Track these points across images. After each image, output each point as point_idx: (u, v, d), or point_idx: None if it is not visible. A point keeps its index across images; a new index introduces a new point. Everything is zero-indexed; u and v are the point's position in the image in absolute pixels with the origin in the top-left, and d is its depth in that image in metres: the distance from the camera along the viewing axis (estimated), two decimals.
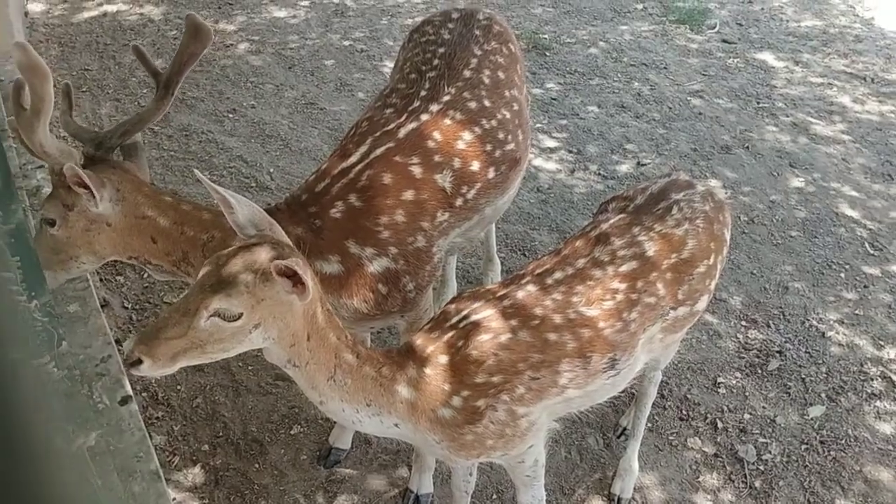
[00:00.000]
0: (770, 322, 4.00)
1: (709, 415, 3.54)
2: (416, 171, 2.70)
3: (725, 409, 3.57)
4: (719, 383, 3.68)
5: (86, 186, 2.35)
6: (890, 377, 3.73)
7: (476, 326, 2.30)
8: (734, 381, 3.70)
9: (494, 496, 3.20)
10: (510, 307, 2.34)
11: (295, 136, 5.19)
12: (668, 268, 2.49)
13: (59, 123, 2.58)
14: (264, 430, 3.38)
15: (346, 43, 6.35)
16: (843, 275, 4.31)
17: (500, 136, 2.93)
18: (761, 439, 3.45)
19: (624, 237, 2.49)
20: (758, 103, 5.81)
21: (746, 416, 3.54)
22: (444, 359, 2.27)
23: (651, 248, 2.48)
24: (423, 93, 2.91)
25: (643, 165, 5.07)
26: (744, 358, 3.82)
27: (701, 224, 2.58)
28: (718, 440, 3.45)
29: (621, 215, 2.59)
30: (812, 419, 3.54)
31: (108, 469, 2.24)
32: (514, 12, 6.92)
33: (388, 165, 2.68)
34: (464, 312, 2.36)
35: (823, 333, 3.95)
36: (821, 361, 3.80)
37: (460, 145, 2.81)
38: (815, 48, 6.61)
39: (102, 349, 2.60)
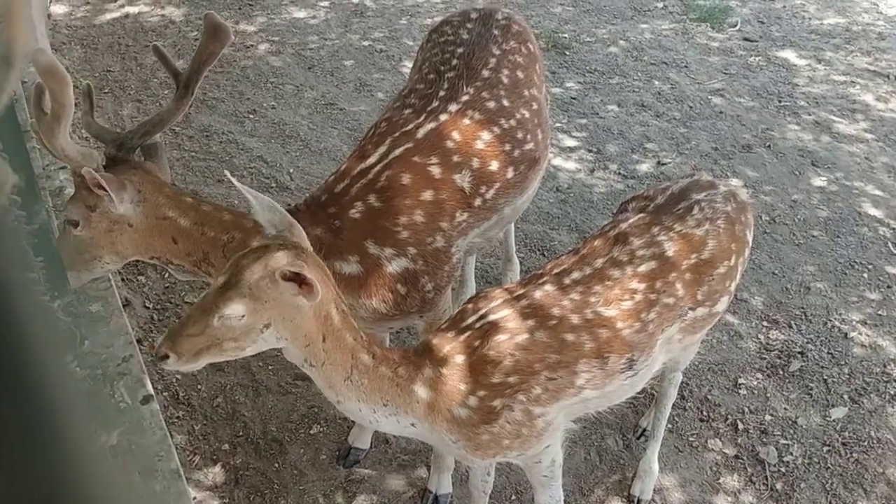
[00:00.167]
0: (792, 322, 3.97)
1: (729, 416, 3.52)
2: (435, 171, 2.70)
3: (746, 410, 3.55)
4: (740, 384, 3.66)
5: (104, 189, 2.37)
6: None
7: (493, 326, 2.30)
8: (755, 382, 3.67)
9: (513, 497, 3.20)
10: (527, 307, 2.34)
11: (314, 136, 5.20)
12: (687, 268, 2.47)
13: (81, 124, 2.60)
14: (284, 430, 3.39)
15: (366, 43, 6.36)
16: (865, 275, 4.27)
17: (519, 135, 2.92)
18: (783, 441, 3.43)
19: (643, 237, 2.48)
20: (780, 102, 5.76)
21: (768, 417, 3.52)
22: (460, 358, 2.27)
23: (670, 249, 2.46)
24: (441, 93, 2.91)
25: (663, 165, 5.05)
26: (765, 359, 3.79)
27: (722, 225, 2.56)
28: (739, 441, 3.43)
29: (641, 215, 2.58)
30: (834, 420, 3.51)
31: (130, 468, 2.26)
32: (533, 11, 6.90)
33: (407, 166, 2.68)
34: (481, 312, 2.36)
35: (846, 334, 3.91)
36: (843, 362, 3.76)
37: (479, 145, 2.81)
38: (837, 46, 6.55)
39: (124, 349, 2.61)
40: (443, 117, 2.81)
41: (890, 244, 4.47)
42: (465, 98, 2.88)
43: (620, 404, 3.19)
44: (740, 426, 3.48)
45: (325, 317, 2.03)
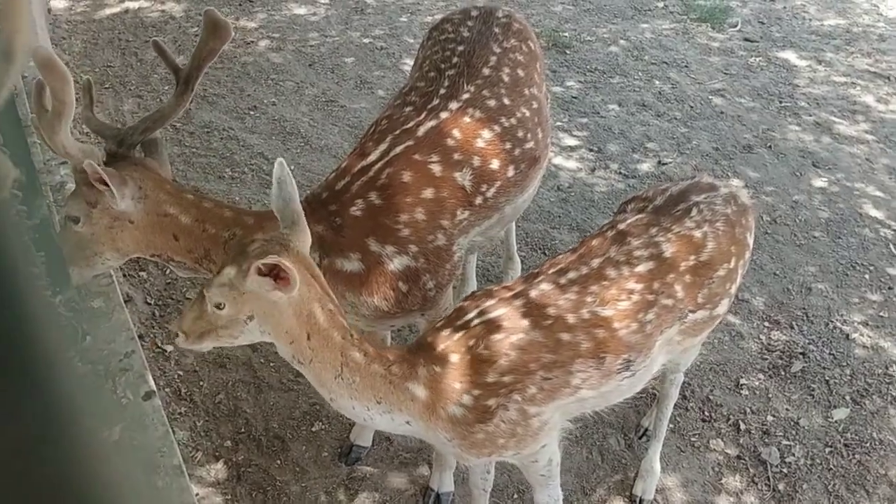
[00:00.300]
0: (793, 323, 3.97)
1: (731, 416, 3.52)
2: (436, 169, 2.70)
3: (748, 410, 3.54)
4: (742, 385, 3.65)
5: (106, 184, 2.36)
6: None
7: (489, 325, 2.29)
8: (757, 383, 3.67)
9: (515, 495, 3.19)
10: (523, 306, 2.33)
11: (315, 133, 5.19)
12: (686, 270, 2.46)
13: (81, 120, 2.58)
14: (286, 427, 3.38)
15: (366, 40, 6.35)
16: (867, 276, 4.26)
17: (520, 134, 2.91)
18: (785, 441, 3.42)
19: (641, 237, 2.47)
20: (780, 102, 5.76)
21: (769, 417, 3.51)
22: (455, 357, 2.26)
23: (668, 250, 2.45)
24: (442, 91, 2.90)
25: (664, 164, 5.04)
26: (767, 359, 3.78)
27: (721, 227, 2.54)
28: (741, 442, 3.42)
29: (639, 216, 2.57)
30: (836, 422, 3.51)
31: (131, 464, 2.25)
32: (534, 10, 6.90)
33: (407, 163, 2.67)
34: (476, 311, 2.35)
35: (847, 335, 3.91)
36: (845, 363, 3.76)
37: (480, 143, 2.80)
38: (838, 47, 6.55)
39: (126, 344, 2.60)
40: (444, 115, 2.80)
41: (891, 245, 4.47)
42: (465, 96, 2.87)
43: (622, 404, 3.18)
44: (742, 427, 3.47)
45: (307, 315, 2.05)
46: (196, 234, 2.56)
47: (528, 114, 2.97)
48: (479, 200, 2.79)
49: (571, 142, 5.25)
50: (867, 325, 3.97)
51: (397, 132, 2.77)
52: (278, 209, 2.13)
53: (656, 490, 3.21)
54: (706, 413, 3.53)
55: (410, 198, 2.64)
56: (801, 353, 3.80)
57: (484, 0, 6.82)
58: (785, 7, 7.19)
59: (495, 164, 2.82)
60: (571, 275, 2.40)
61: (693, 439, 3.43)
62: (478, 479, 2.86)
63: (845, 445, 3.41)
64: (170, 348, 3.64)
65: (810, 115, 5.62)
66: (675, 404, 3.22)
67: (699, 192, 2.62)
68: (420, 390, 2.24)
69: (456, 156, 2.74)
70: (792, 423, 3.49)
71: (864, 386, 3.66)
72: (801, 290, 4.16)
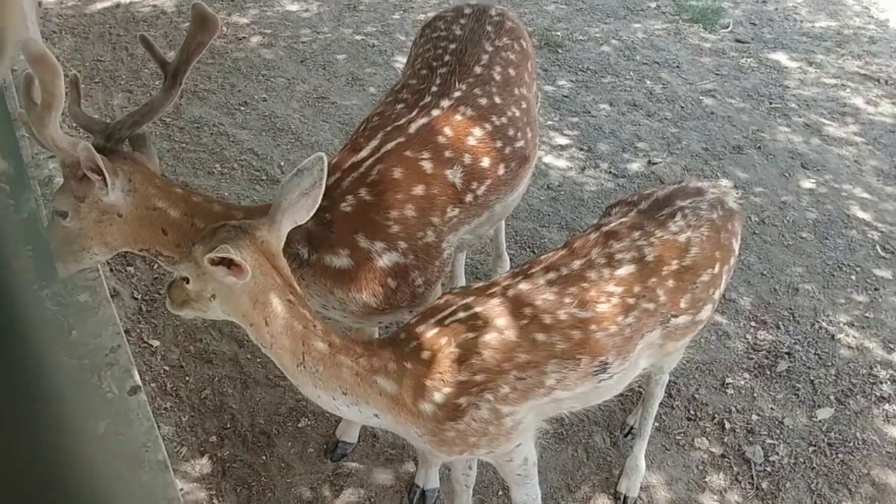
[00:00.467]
0: (779, 323, 3.99)
1: (716, 415, 3.54)
2: (427, 166, 2.70)
3: (733, 409, 3.56)
4: (727, 384, 3.67)
5: (99, 171, 2.35)
6: None
7: (462, 323, 2.30)
8: (742, 382, 3.69)
9: (500, 492, 3.20)
10: (499, 305, 2.33)
11: (306, 129, 5.19)
12: (669, 275, 2.46)
13: (69, 115, 2.58)
14: (272, 423, 3.39)
15: (358, 37, 6.34)
16: (853, 277, 4.29)
17: (510, 132, 2.92)
18: (769, 440, 3.44)
19: (623, 241, 2.46)
20: (770, 104, 5.78)
21: (754, 416, 3.53)
22: (426, 354, 2.26)
23: (651, 254, 2.45)
24: (434, 88, 2.91)
25: (654, 164, 5.06)
26: (752, 359, 3.80)
27: (706, 232, 2.54)
28: (726, 441, 3.44)
29: (623, 219, 2.56)
30: (820, 421, 3.53)
31: (116, 458, 2.25)
32: (526, 9, 6.90)
33: (398, 160, 2.68)
34: (452, 308, 2.35)
35: (833, 336, 3.93)
36: (830, 364, 3.78)
37: (471, 141, 2.81)
38: (828, 49, 6.58)
39: (112, 339, 2.60)
40: (435, 113, 2.81)
41: (878, 247, 4.50)
42: (457, 94, 2.88)
43: (607, 402, 3.21)
44: (727, 425, 3.49)
45: (263, 303, 2.11)
46: (185, 229, 2.56)
47: (518, 113, 2.98)
48: (469, 198, 2.80)
49: (562, 141, 5.26)
50: (853, 325, 3.99)
51: (389, 129, 2.77)
52: (296, 192, 2.21)
53: (641, 487, 3.22)
54: (691, 412, 3.55)
55: (401, 194, 2.65)
56: (786, 353, 3.82)
57: None
58: (776, 8, 7.22)
59: (486, 162, 2.83)
60: (551, 275, 2.40)
61: (678, 438, 3.44)
62: (459, 475, 2.87)
63: (829, 445, 3.43)
64: (156, 343, 3.64)
65: (800, 117, 5.64)
66: (661, 403, 3.24)
67: (685, 197, 2.61)
68: (389, 385, 2.25)
69: (447, 153, 2.75)
70: (776, 423, 3.52)
71: (849, 386, 3.68)
72: (787, 291, 4.18)
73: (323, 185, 2.24)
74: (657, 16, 6.99)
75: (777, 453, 3.39)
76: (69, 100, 2.51)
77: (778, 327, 3.97)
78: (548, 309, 2.32)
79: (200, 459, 3.22)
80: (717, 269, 2.57)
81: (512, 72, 3.05)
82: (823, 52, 6.53)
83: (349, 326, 3.04)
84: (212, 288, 2.11)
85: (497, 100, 2.93)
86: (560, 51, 6.30)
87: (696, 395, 3.61)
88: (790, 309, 4.07)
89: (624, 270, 2.40)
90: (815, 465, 3.36)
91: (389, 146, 2.70)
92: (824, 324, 4.00)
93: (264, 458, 3.26)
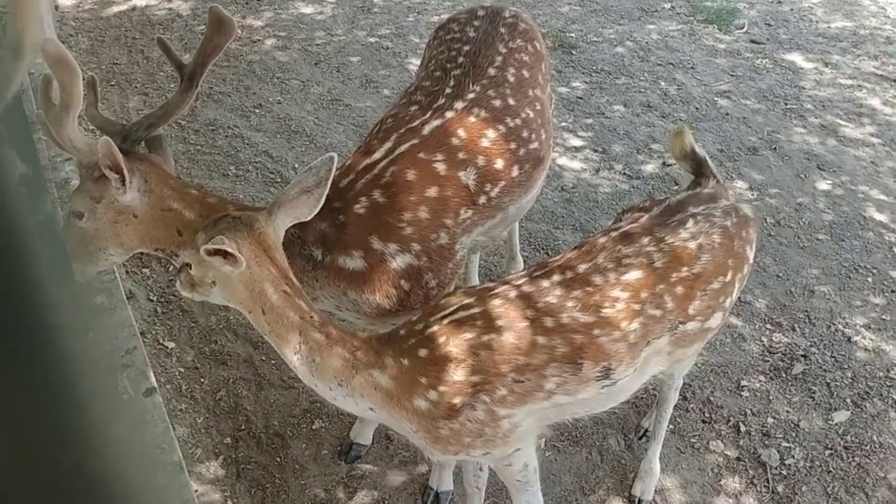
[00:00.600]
0: (795, 326, 3.97)
1: (732, 418, 3.52)
2: (441, 168, 2.70)
3: (749, 412, 3.54)
4: (743, 386, 3.65)
5: (118, 168, 2.36)
6: None
7: (461, 323, 2.30)
8: (758, 385, 3.67)
9: None
10: (500, 307, 2.32)
11: (320, 131, 5.20)
12: (677, 281, 2.43)
13: (85, 116, 2.60)
14: (286, 425, 3.40)
15: (372, 40, 6.36)
16: (870, 279, 4.26)
17: (524, 134, 2.92)
18: (784, 444, 3.42)
19: (632, 246, 2.44)
20: (786, 104, 5.75)
21: (770, 419, 3.52)
22: (423, 352, 2.27)
23: (659, 260, 2.42)
24: (447, 90, 2.91)
25: (669, 165, 5.04)
26: (768, 361, 3.78)
27: (718, 239, 2.50)
28: (741, 444, 3.42)
29: (633, 224, 2.54)
30: (836, 424, 3.51)
31: (131, 460, 2.26)
32: (540, 10, 6.90)
33: (412, 162, 2.68)
34: (453, 308, 2.35)
35: (849, 338, 3.91)
36: (846, 366, 3.76)
37: (484, 143, 2.80)
38: (844, 49, 6.54)
39: (128, 340, 2.62)
40: (448, 114, 2.81)
41: (895, 249, 4.46)
42: (471, 96, 2.87)
43: (621, 405, 3.20)
44: (742, 428, 3.48)
45: (259, 292, 2.17)
46: (200, 228, 2.57)
47: (532, 114, 2.98)
48: (482, 200, 2.80)
49: (576, 142, 5.25)
50: (869, 328, 3.97)
51: (402, 131, 2.78)
52: (298, 188, 2.26)
53: (655, 491, 3.21)
54: (706, 414, 3.53)
55: (414, 196, 2.65)
56: (802, 356, 3.80)
57: (491, 0, 6.82)
58: (792, 9, 7.18)
59: (500, 163, 2.83)
60: (555, 278, 2.39)
61: (693, 440, 3.43)
62: (470, 476, 2.86)
63: (845, 448, 3.41)
64: (171, 345, 3.66)
65: (816, 118, 5.61)
66: (676, 405, 3.23)
67: (698, 204, 2.59)
68: (384, 379, 2.26)
69: (460, 155, 2.75)
70: (792, 426, 3.49)
71: (865, 389, 3.66)
72: (803, 293, 4.16)
73: (327, 186, 2.26)
74: (671, 17, 6.97)
75: (793, 456, 3.37)
76: (86, 102, 2.53)
77: (794, 329, 3.95)
78: (550, 312, 2.31)
79: (215, 461, 3.24)
80: (729, 277, 2.54)
81: (526, 73, 3.05)
82: (839, 52, 6.49)
83: (363, 328, 3.04)
84: (212, 275, 2.17)
85: (511, 101, 2.93)
86: (574, 52, 6.29)
87: (711, 398, 3.59)
88: (806, 311, 4.05)
89: (631, 276, 2.38)
90: (831, 469, 3.33)
91: (403, 148, 2.70)
92: (840, 326, 3.97)
93: (279, 459, 3.27)
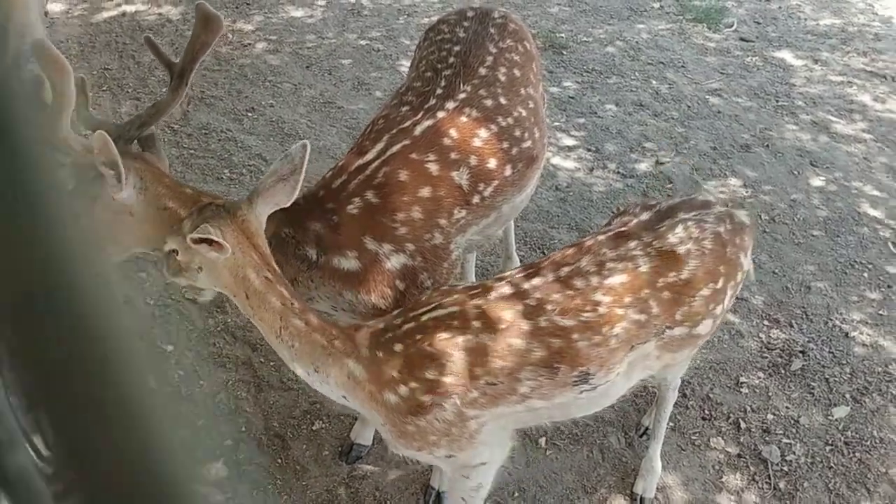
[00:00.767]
0: (793, 322, 3.97)
1: (731, 415, 3.52)
2: (433, 168, 2.70)
3: (748, 408, 3.54)
4: (742, 383, 3.65)
5: (114, 164, 2.34)
6: None
7: (437, 322, 2.30)
8: (757, 381, 3.67)
9: (516, 493, 3.18)
10: (479, 307, 2.32)
11: (313, 134, 5.19)
12: (664, 286, 2.39)
13: (77, 118, 2.58)
14: (286, 426, 3.38)
15: (363, 42, 6.34)
16: (866, 274, 4.27)
17: (517, 133, 2.91)
18: (785, 440, 3.42)
19: (617, 250, 2.41)
20: (777, 102, 5.76)
21: (770, 416, 3.51)
22: (399, 347, 2.28)
23: (645, 264, 2.38)
24: (438, 91, 2.90)
25: (662, 164, 5.05)
26: (766, 357, 3.78)
27: (709, 245, 2.46)
28: (741, 440, 3.42)
29: (621, 229, 2.51)
30: (836, 420, 3.51)
31: None
32: (530, 11, 6.90)
33: (404, 162, 2.67)
34: (433, 306, 2.36)
35: (847, 333, 3.91)
36: (844, 362, 3.76)
37: (477, 143, 2.80)
38: (833, 46, 6.56)
39: None
40: (440, 115, 2.80)
41: (890, 244, 4.48)
42: (462, 96, 2.87)
43: (622, 403, 3.19)
44: (742, 425, 3.47)
45: (242, 278, 2.23)
46: None
47: (524, 113, 2.97)
48: (476, 199, 2.79)
49: (569, 142, 5.25)
50: (866, 323, 3.97)
51: (394, 131, 2.77)
52: (275, 176, 2.32)
53: (657, 488, 3.20)
54: (706, 411, 3.53)
55: (407, 196, 2.65)
56: (800, 352, 3.80)
57: (480, 1, 6.82)
58: (780, 7, 7.20)
59: (492, 163, 2.82)
60: (536, 281, 2.37)
61: (693, 438, 3.43)
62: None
63: (846, 444, 3.41)
64: (170, 348, 3.64)
65: (807, 115, 5.62)
66: (676, 403, 3.21)
67: (690, 210, 2.54)
68: (358, 370, 2.29)
69: (453, 155, 2.74)
70: (792, 422, 3.49)
71: (864, 384, 3.66)
72: (800, 289, 4.16)
73: (302, 173, 2.31)
74: (661, 16, 6.98)
75: (794, 453, 3.37)
76: (77, 103, 2.51)
77: (791, 326, 3.95)
78: (528, 315, 2.30)
79: (216, 463, 3.22)
80: (720, 284, 2.49)
81: (517, 72, 3.04)
82: (828, 49, 6.51)
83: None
84: (198, 261, 2.22)
85: (503, 100, 2.92)
86: (565, 52, 6.30)
87: (711, 395, 3.59)
88: (803, 307, 4.05)
89: (615, 280, 2.35)
90: (832, 465, 3.33)
91: (395, 149, 2.70)
92: (838, 322, 3.98)
93: (280, 461, 3.25)
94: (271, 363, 3.58)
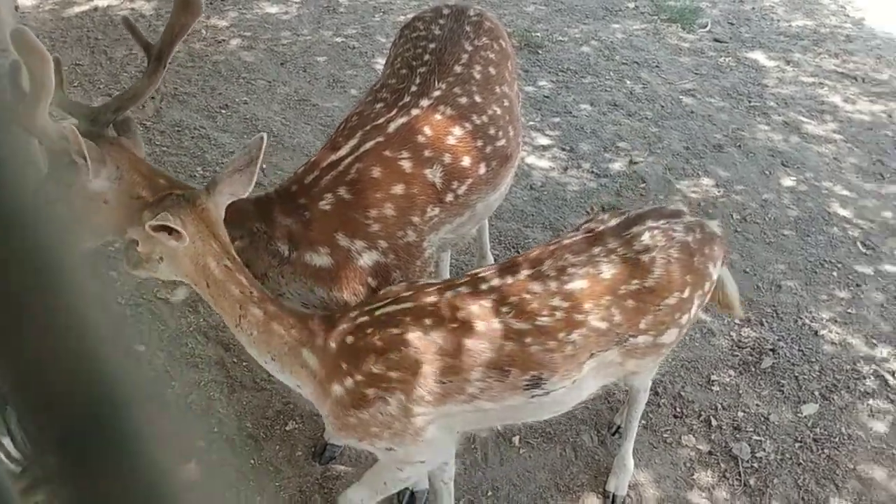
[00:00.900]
0: (763, 320, 4.01)
1: (703, 412, 3.55)
2: (406, 165, 2.70)
3: (719, 406, 3.58)
4: (713, 381, 3.68)
5: (83, 157, 2.33)
6: (883, 375, 3.74)
7: (390, 317, 2.33)
8: (728, 379, 3.70)
9: (490, 492, 3.19)
10: (432, 305, 2.33)
11: (287, 132, 5.17)
12: (628, 294, 2.38)
13: (52, 100, 2.56)
14: (259, 427, 3.37)
15: (339, 39, 6.32)
16: (835, 273, 4.32)
17: (491, 131, 2.91)
18: (755, 437, 3.46)
19: (580, 255, 2.40)
20: (749, 102, 5.82)
21: (740, 413, 3.55)
22: (350, 339, 2.32)
23: (608, 271, 2.38)
24: (413, 88, 2.90)
25: (636, 164, 5.07)
26: (737, 356, 3.82)
27: (675, 254, 2.44)
28: (712, 438, 3.45)
29: (587, 234, 2.50)
30: (805, 417, 3.55)
31: None
32: (506, 10, 6.91)
33: (377, 159, 2.67)
34: (389, 301, 2.38)
35: (816, 332, 3.96)
36: (814, 360, 3.81)
37: (451, 140, 2.80)
38: (806, 48, 6.63)
39: None
40: (414, 112, 2.80)
41: (859, 243, 4.53)
42: (436, 93, 2.87)
43: (594, 401, 3.21)
44: (713, 422, 3.51)
45: (202, 266, 2.25)
46: None
47: (499, 111, 2.97)
48: (450, 198, 2.79)
49: (544, 141, 5.27)
50: (835, 321, 4.02)
51: (368, 128, 2.77)
52: (232, 167, 2.32)
53: (629, 486, 3.22)
54: (678, 409, 3.56)
55: (380, 193, 2.64)
56: (770, 350, 3.84)
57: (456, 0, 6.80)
58: (754, 8, 7.26)
59: (466, 161, 2.82)
60: (495, 282, 2.38)
61: (665, 435, 3.45)
62: (435, 470, 2.83)
63: (814, 440, 3.45)
64: (141, 349, 3.60)
65: (779, 115, 5.68)
66: (648, 401, 3.23)
67: (658, 218, 2.53)
68: (312, 359, 2.33)
69: (426, 153, 2.74)
70: (762, 419, 3.53)
71: (833, 382, 3.71)
72: (770, 288, 4.21)
73: (258, 164, 2.31)
74: (636, 16, 7.02)
75: (763, 449, 3.41)
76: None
77: (762, 324, 3.99)
78: (481, 315, 2.30)
79: (188, 464, 3.19)
80: (686, 294, 2.48)
81: (492, 70, 3.04)
82: (801, 50, 6.58)
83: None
84: (159, 250, 2.25)
85: (477, 98, 2.93)
86: (540, 52, 6.31)
87: (682, 393, 3.62)
88: (773, 306, 4.09)
89: (574, 285, 2.34)
90: (801, 461, 3.37)
91: (368, 145, 2.70)
92: (807, 320, 4.02)
93: (252, 461, 3.24)
94: (244, 363, 3.56)
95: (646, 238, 2.45)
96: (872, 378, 3.73)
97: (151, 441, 0.67)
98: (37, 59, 2.14)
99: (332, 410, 2.35)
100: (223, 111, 5.34)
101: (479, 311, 2.31)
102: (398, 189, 2.66)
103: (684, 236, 2.49)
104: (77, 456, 0.64)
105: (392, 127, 2.75)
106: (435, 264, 3.66)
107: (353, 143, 2.72)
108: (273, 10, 6.69)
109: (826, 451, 3.41)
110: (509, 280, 2.37)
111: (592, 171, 5.01)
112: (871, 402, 3.62)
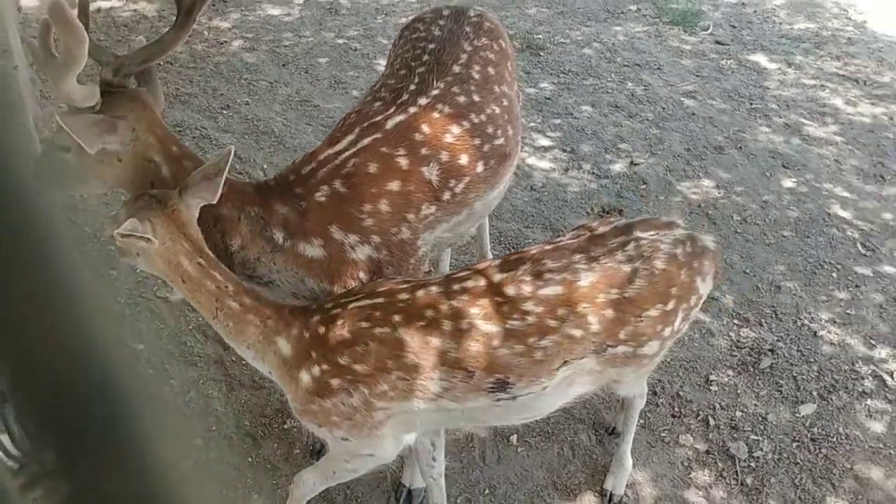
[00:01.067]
0: (762, 321, 4.01)
1: (701, 412, 3.55)
2: (403, 162, 2.71)
3: (717, 406, 3.58)
4: (711, 381, 3.69)
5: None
6: (881, 376, 3.74)
7: (361, 311, 2.36)
8: (726, 379, 3.70)
9: (487, 490, 3.20)
10: (403, 302, 2.36)
11: (289, 132, 5.18)
12: (606, 303, 2.36)
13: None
14: (257, 425, 3.37)
15: (340, 41, 6.34)
16: (834, 274, 4.32)
17: (490, 130, 2.93)
18: (753, 437, 3.46)
19: (560, 261, 2.40)
20: (751, 104, 5.82)
21: (738, 413, 3.55)
22: (322, 329, 2.37)
23: (587, 279, 2.36)
24: (412, 87, 2.92)
25: (636, 165, 5.08)
26: (736, 356, 3.82)
27: (660, 266, 2.42)
28: (710, 437, 3.45)
29: (572, 241, 2.49)
30: (803, 417, 3.55)
31: None
32: (508, 12, 6.93)
33: (374, 155, 2.69)
34: (362, 295, 2.42)
35: (815, 332, 3.96)
36: (812, 360, 3.81)
37: (448, 139, 2.81)
38: (807, 50, 6.63)
39: None
40: (412, 110, 2.82)
41: (858, 244, 4.53)
42: (435, 92, 2.88)
43: (592, 400, 3.21)
44: (711, 422, 3.51)
45: (175, 264, 2.32)
46: (170, 188, 2.57)
47: (498, 111, 2.99)
48: (446, 196, 2.80)
49: (545, 142, 5.28)
50: (834, 322, 4.02)
51: (366, 125, 2.79)
52: (201, 175, 2.38)
53: (627, 485, 3.22)
54: (676, 409, 3.56)
55: (375, 188, 2.66)
56: (769, 350, 3.84)
57: (457, 1, 6.83)
58: (755, 11, 7.28)
59: (464, 159, 2.83)
60: (469, 283, 2.38)
61: (663, 435, 3.45)
62: (424, 465, 2.85)
63: (812, 440, 3.45)
64: (140, 347, 3.62)
65: (780, 117, 5.68)
66: (646, 400, 3.24)
67: (647, 229, 2.51)
68: (286, 348, 2.39)
69: (423, 150, 2.75)
70: (760, 419, 3.53)
71: (831, 382, 3.71)
72: (770, 288, 4.21)
73: (224, 174, 2.36)
74: (637, 19, 7.03)
75: (761, 449, 3.41)
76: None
77: (761, 324, 3.99)
78: (451, 315, 2.32)
79: (186, 462, 3.20)
80: (670, 306, 2.46)
81: (491, 70, 3.05)
82: (802, 53, 6.58)
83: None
84: (134, 248, 2.31)
85: (476, 97, 2.94)
86: (542, 53, 6.33)
87: (681, 393, 3.62)
88: (773, 306, 4.10)
89: (549, 291, 2.34)
90: (798, 461, 3.37)
91: (365, 141, 2.72)
92: (806, 321, 4.02)
93: (250, 459, 3.25)
94: (242, 362, 3.54)
95: (630, 248, 2.44)
96: (871, 378, 3.73)
97: (149, 438, 0.68)
98: (74, 38, 2.19)
99: (297, 396, 2.41)
100: (225, 112, 5.35)
101: (449, 310, 2.33)
102: (394, 185, 2.68)
103: (672, 248, 2.47)
104: (75, 452, 0.65)
105: (390, 124, 2.77)
106: (434, 263, 3.68)
107: (350, 138, 2.74)
108: (275, 11, 6.71)
109: (823, 450, 3.41)
110: (482, 282, 2.38)
111: (593, 173, 5.01)
112: (868, 402, 3.62)
